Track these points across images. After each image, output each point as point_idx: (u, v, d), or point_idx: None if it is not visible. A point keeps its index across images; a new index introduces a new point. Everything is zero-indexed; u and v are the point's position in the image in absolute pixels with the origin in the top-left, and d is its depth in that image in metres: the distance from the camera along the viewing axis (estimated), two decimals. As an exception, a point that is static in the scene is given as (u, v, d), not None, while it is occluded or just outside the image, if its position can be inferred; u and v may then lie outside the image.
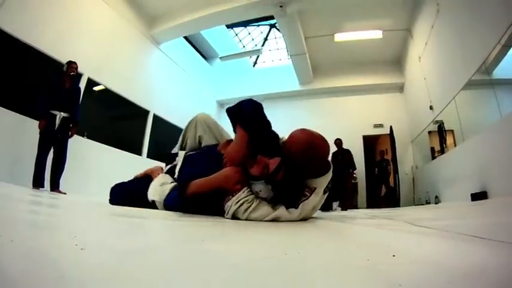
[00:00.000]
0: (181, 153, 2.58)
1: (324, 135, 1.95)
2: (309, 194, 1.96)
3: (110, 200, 2.73)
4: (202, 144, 2.67)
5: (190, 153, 2.61)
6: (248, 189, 1.94)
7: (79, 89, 6.06)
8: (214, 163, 2.22)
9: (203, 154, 2.52)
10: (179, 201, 2.01)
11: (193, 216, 1.80)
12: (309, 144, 1.85)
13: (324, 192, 2.05)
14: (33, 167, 5.18)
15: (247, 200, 1.89)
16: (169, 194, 2.15)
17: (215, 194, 1.90)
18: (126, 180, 3.04)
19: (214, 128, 2.68)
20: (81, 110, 5.95)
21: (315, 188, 1.99)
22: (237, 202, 1.88)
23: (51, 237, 0.74)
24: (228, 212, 1.89)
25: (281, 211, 1.88)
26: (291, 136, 1.95)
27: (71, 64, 5.71)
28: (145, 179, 2.53)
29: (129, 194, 2.58)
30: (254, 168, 1.95)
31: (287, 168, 1.87)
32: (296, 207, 1.92)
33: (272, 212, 1.88)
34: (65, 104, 5.55)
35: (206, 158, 2.41)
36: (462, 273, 0.52)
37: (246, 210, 1.88)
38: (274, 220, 1.86)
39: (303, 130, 1.96)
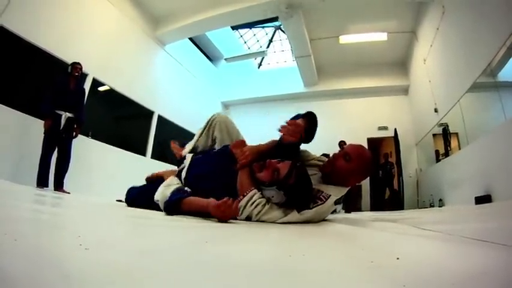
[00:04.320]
0: (189, 156, 2.56)
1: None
2: (324, 199, 1.96)
3: (125, 200, 2.76)
4: (216, 145, 2.65)
5: (198, 156, 2.59)
6: (260, 192, 1.93)
7: (83, 90, 6.06)
8: (223, 162, 2.23)
9: (210, 155, 2.51)
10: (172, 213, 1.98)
11: (197, 218, 1.80)
12: (369, 160, 2.08)
13: (335, 203, 2.07)
14: (38, 167, 5.21)
15: (260, 203, 1.88)
16: (170, 196, 2.12)
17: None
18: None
19: (231, 130, 2.66)
20: (86, 110, 5.98)
21: (330, 196, 1.99)
22: (252, 203, 1.87)
23: (55, 237, 0.75)
24: (241, 212, 1.87)
25: (293, 216, 1.89)
26: (356, 146, 2.17)
27: (75, 65, 5.73)
28: (158, 181, 2.53)
29: (142, 195, 2.59)
30: (263, 173, 1.94)
31: (298, 172, 1.87)
32: (311, 207, 1.92)
33: (284, 216, 1.88)
34: (69, 105, 5.57)
35: (214, 158, 2.41)
36: (465, 276, 0.52)
37: (259, 212, 1.88)
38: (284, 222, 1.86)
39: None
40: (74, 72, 5.68)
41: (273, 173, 1.89)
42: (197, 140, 2.75)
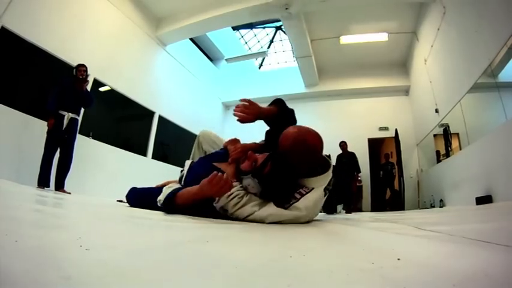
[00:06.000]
0: (188, 162, 2.64)
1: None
2: (304, 193, 1.94)
3: (127, 199, 2.78)
4: None
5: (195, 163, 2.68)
6: (241, 185, 1.98)
7: (87, 92, 5.96)
8: (209, 165, 2.28)
9: (204, 159, 2.58)
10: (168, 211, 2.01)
11: (198, 218, 1.80)
12: (298, 140, 1.87)
13: (325, 194, 2.05)
14: (39, 166, 5.22)
15: (238, 195, 1.91)
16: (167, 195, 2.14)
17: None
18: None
19: (216, 139, 2.90)
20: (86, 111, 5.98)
21: (313, 188, 1.97)
22: (228, 196, 1.89)
23: (55, 238, 0.75)
24: (217, 200, 1.90)
25: (270, 210, 1.87)
26: (283, 133, 1.96)
27: (80, 67, 5.74)
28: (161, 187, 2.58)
29: (144, 196, 2.61)
30: (244, 163, 2.00)
31: (275, 162, 1.88)
32: (286, 207, 1.90)
33: (261, 210, 1.87)
34: (73, 106, 5.59)
35: (206, 161, 2.45)
36: (466, 277, 0.52)
37: (235, 204, 1.89)
38: (263, 221, 1.85)
39: (295, 127, 1.98)
40: (78, 75, 5.68)
41: (252, 163, 1.96)
42: (193, 156, 3.00)
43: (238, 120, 2.11)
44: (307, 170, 2.00)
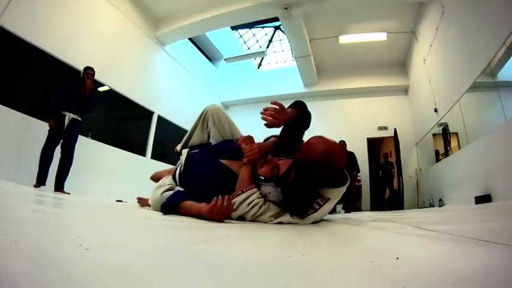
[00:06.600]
0: (185, 152, 2.47)
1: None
2: (322, 203, 1.89)
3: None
4: (211, 139, 2.56)
5: (194, 152, 2.49)
6: (259, 191, 1.88)
7: (91, 96, 5.84)
8: (220, 162, 2.19)
9: (207, 153, 2.40)
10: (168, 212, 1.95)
11: (197, 218, 1.79)
12: (327, 153, 1.81)
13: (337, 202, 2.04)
14: (38, 164, 5.20)
15: (258, 204, 1.82)
16: (169, 198, 2.08)
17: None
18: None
19: (225, 122, 2.54)
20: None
21: (329, 199, 1.92)
22: (249, 204, 1.82)
23: (55, 238, 0.75)
24: (236, 207, 1.81)
25: (286, 218, 1.84)
26: (309, 142, 1.90)
27: (87, 70, 5.74)
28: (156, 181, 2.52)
29: None
30: (264, 168, 1.90)
31: (298, 171, 1.81)
32: (302, 217, 1.85)
33: (277, 220, 1.83)
34: (75, 108, 5.57)
35: (211, 157, 2.30)
36: (466, 276, 0.52)
37: (254, 214, 1.82)
38: (278, 223, 1.83)
39: (321, 138, 1.91)
40: (85, 78, 5.67)
41: (273, 169, 1.86)
42: (191, 134, 2.69)
43: (265, 124, 1.97)
44: (330, 182, 1.96)
